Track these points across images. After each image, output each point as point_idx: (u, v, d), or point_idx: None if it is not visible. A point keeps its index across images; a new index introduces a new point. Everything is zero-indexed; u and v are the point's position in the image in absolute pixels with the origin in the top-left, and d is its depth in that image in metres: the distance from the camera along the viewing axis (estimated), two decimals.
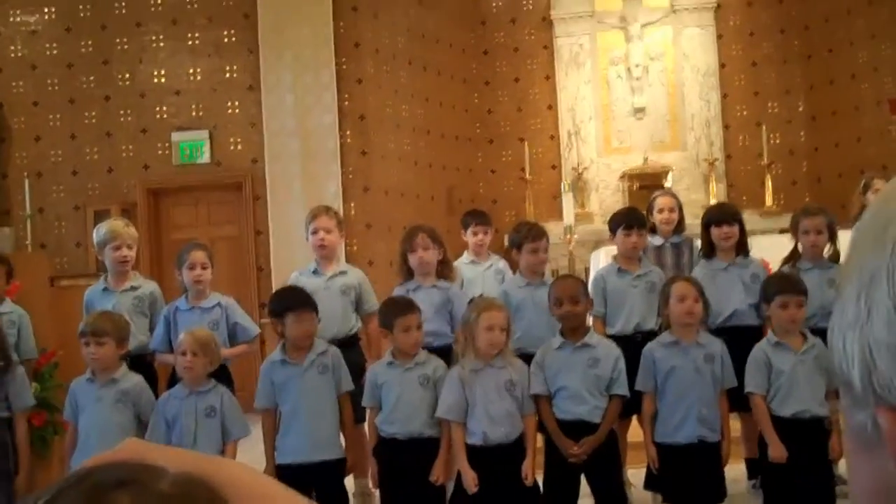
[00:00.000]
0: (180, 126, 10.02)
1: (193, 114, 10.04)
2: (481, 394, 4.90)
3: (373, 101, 10.22)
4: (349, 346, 5.79)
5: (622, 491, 5.14)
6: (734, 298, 5.76)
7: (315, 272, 6.06)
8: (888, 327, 0.54)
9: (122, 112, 10.09)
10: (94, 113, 10.11)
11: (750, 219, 8.99)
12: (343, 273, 6.14)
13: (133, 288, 6.08)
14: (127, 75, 10.10)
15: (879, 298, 0.55)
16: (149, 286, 6.22)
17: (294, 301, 5.23)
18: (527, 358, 5.16)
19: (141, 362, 5.67)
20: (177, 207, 10.13)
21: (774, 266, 6.41)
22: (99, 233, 6.17)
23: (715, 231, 5.89)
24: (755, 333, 5.58)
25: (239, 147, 10.02)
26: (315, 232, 6.05)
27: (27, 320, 6.03)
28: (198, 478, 0.67)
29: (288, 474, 4.94)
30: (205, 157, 9.99)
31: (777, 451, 4.81)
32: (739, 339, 5.36)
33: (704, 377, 5.02)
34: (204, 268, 5.88)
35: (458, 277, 6.32)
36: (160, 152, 10.05)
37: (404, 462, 4.93)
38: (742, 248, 5.95)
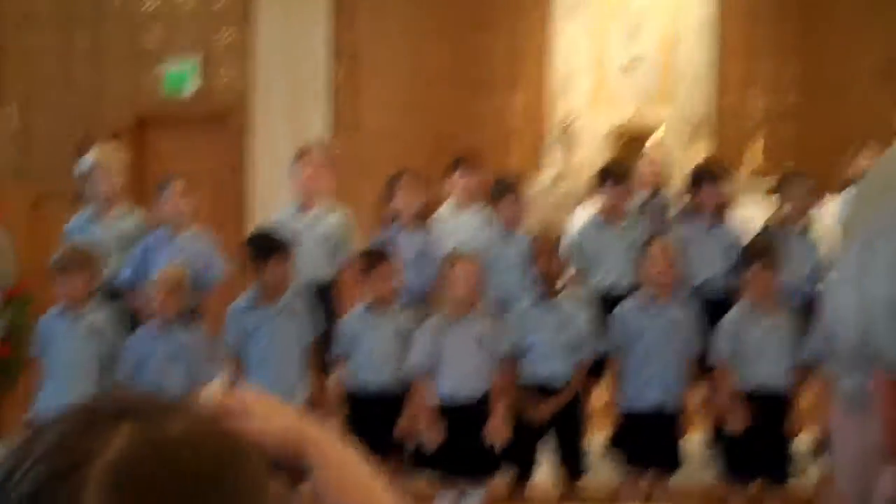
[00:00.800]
0: (168, 55, 9.88)
1: (182, 43, 9.90)
2: (453, 348, 4.89)
3: (365, 40, 10.10)
4: (328, 290, 5.76)
5: (582, 455, 5.16)
6: (711, 263, 5.73)
7: (299, 211, 5.99)
8: (889, 283, 0.53)
9: (109, 39, 9.92)
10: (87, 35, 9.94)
11: (737, 178, 9.00)
12: (327, 214, 6.07)
13: (119, 218, 5.99)
14: (117, 3, 9.93)
15: (883, 253, 0.55)
16: (133, 217, 6.12)
17: (273, 245, 5.16)
18: (496, 312, 5.13)
19: (114, 293, 5.61)
20: (162, 139, 10.04)
21: (758, 228, 6.42)
22: (85, 161, 6.09)
23: (704, 189, 5.84)
24: (729, 298, 5.59)
25: (227, 79, 9.91)
26: (303, 170, 5.97)
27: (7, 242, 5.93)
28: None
29: None
30: (192, 88, 9.87)
31: (737, 421, 4.82)
32: (713, 303, 5.37)
33: (671, 343, 5.01)
34: (185, 197, 5.82)
35: (442, 225, 6.31)
36: (146, 81, 9.91)
37: (369, 415, 4.93)
38: (724, 209, 5.93)
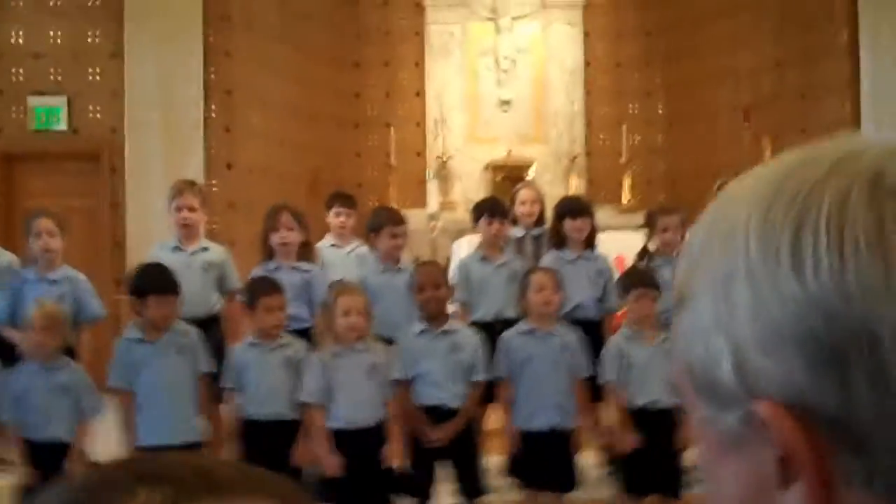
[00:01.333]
0: (37, 90, 9.65)
1: (52, 78, 9.68)
2: (344, 377, 4.91)
3: (240, 76, 10.04)
4: (210, 324, 5.70)
5: (482, 477, 5.21)
6: (579, 291, 5.89)
7: (177, 248, 5.93)
8: (753, 320, 0.56)
9: None
10: None
11: (607, 215, 9.23)
12: (205, 250, 6.03)
13: None
14: None
15: (740, 296, 0.57)
16: (5, 256, 6.00)
17: (158, 283, 5.08)
18: (384, 343, 5.19)
19: None
20: (30, 175, 9.75)
21: (629, 261, 6.61)
22: None
23: (569, 223, 6.02)
24: (596, 326, 5.78)
25: (98, 115, 9.71)
26: (179, 209, 5.91)
27: None
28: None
29: None
30: (62, 124, 9.64)
31: (628, 440, 4.97)
32: (582, 330, 5.52)
33: (560, 366, 5.15)
34: (51, 235, 5.68)
35: (320, 261, 6.30)
36: (15, 116, 9.65)
37: (265, 444, 4.90)
38: (590, 242, 6.10)
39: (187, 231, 5.95)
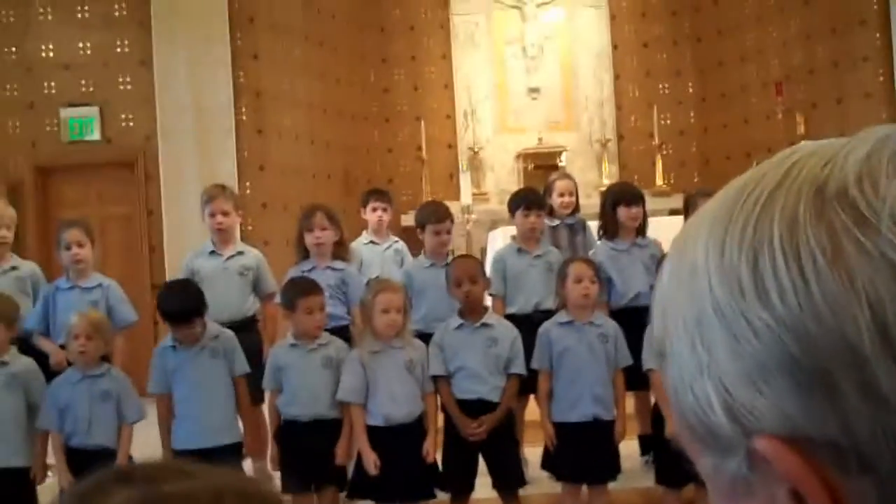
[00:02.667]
0: (70, 102, 9.75)
1: (83, 89, 9.78)
2: (382, 375, 4.92)
3: (268, 78, 10.08)
4: (246, 328, 5.74)
5: (519, 469, 5.20)
6: (638, 280, 5.84)
7: (212, 253, 5.97)
8: (732, 358, 0.55)
9: (7, 87, 9.77)
10: None
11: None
12: (241, 254, 6.06)
13: (13, 268, 5.94)
14: (13, 49, 9.77)
15: (714, 336, 0.56)
16: (28, 266, 6.10)
17: (175, 310, 5.04)
18: (430, 339, 5.19)
19: (26, 345, 5.51)
20: (66, 186, 9.86)
21: (667, 246, 6.56)
22: None
23: (623, 211, 5.92)
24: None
25: (131, 124, 9.80)
26: (213, 215, 5.94)
27: None
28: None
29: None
30: (95, 134, 9.74)
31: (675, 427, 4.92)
32: (641, 319, 5.46)
33: (598, 357, 5.11)
34: (80, 246, 5.73)
35: (357, 258, 6.32)
36: (49, 129, 9.76)
37: (306, 444, 4.92)
38: (641, 229, 6.04)
39: (222, 235, 5.99)
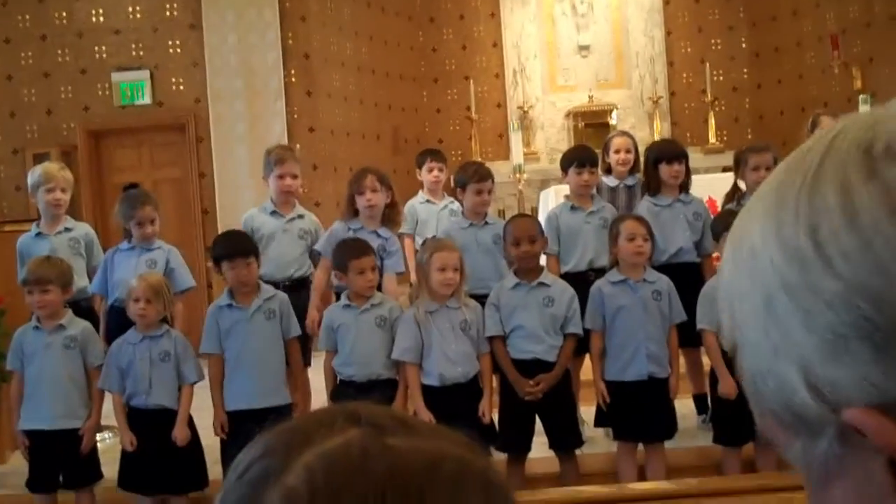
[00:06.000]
0: (120, 66, 9.81)
1: (133, 53, 9.83)
2: (437, 334, 4.92)
3: (317, 40, 10.08)
4: (300, 288, 5.76)
5: (576, 429, 5.19)
6: (679, 236, 5.79)
7: (273, 213, 5.97)
8: (808, 333, 0.55)
9: (59, 52, 9.85)
10: (30, 53, 9.85)
11: (693, 156, 9.06)
12: (300, 217, 6.06)
13: (67, 230, 6.00)
14: (64, 14, 9.84)
15: (785, 315, 0.56)
16: (82, 228, 6.15)
17: (229, 248, 5.14)
18: (473, 298, 5.18)
19: (79, 307, 5.56)
20: (118, 149, 9.95)
21: (719, 202, 6.49)
22: (33, 175, 6.08)
23: (665, 169, 5.87)
24: (696, 270, 5.69)
25: (181, 87, 9.84)
26: (281, 177, 5.93)
27: None
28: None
29: (236, 420, 4.95)
30: (146, 98, 9.80)
31: (728, 386, 4.86)
32: (682, 275, 5.42)
33: (652, 314, 5.07)
34: (153, 223, 5.79)
35: (413, 217, 6.34)
36: (100, 93, 9.84)
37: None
38: (684, 186, 5.99)
39: (287, 198, 5.98)
